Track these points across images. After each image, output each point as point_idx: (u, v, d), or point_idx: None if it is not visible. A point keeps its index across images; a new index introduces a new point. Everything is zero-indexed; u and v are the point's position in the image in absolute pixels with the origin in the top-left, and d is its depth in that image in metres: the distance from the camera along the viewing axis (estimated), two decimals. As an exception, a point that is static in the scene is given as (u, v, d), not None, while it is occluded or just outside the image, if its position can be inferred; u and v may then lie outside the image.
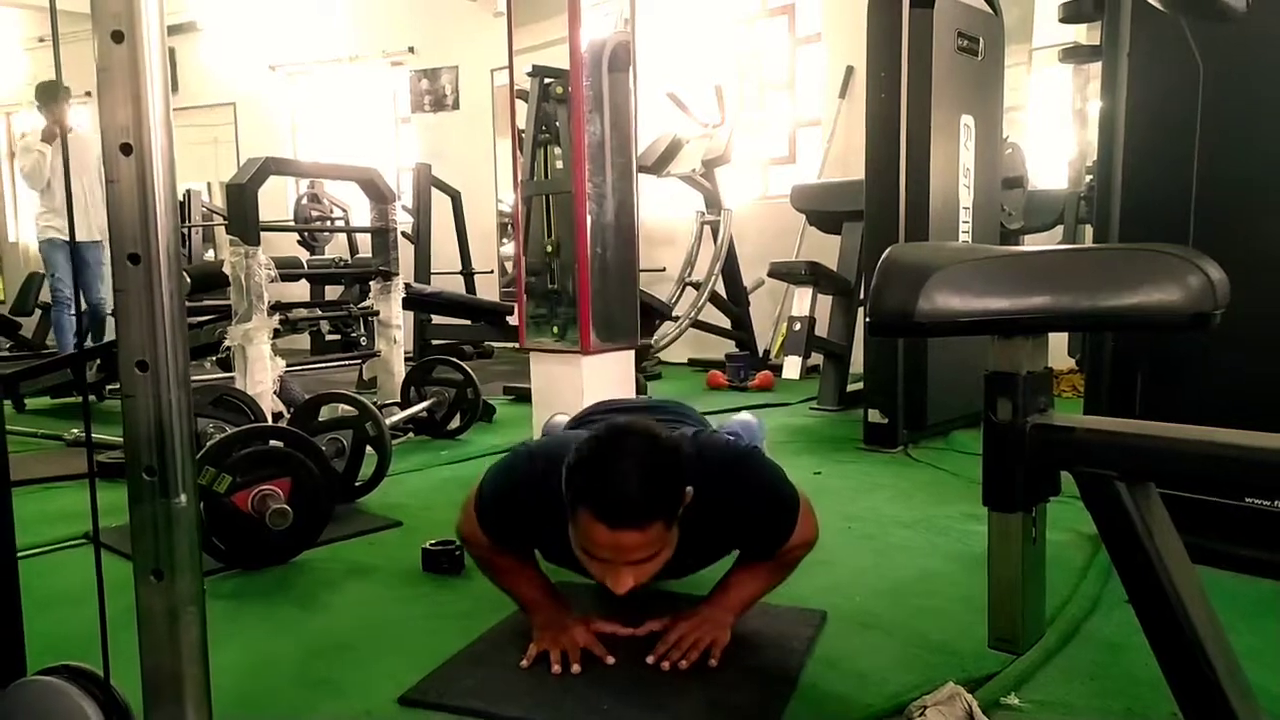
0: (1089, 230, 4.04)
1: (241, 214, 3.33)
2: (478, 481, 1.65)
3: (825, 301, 4.32)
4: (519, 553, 1.68)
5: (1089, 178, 4.18)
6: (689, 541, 1.47)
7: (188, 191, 7.05)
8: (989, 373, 0.99)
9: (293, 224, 6.62)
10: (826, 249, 4.66)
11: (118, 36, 0.87)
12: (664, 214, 6.28)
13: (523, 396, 4.24)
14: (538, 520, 1.55)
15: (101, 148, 0.89)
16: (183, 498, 0.94)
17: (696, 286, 5.52)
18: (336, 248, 6.86)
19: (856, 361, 4.08)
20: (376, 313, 4.01)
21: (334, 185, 6.52)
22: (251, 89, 8.29)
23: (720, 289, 5.54)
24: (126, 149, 0.88)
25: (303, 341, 5.90)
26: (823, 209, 4.70)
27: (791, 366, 3.95)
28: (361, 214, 4.84)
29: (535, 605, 1.67)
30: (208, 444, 2.17)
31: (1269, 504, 1.87)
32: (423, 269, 6.21)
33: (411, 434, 3.69)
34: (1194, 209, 1.91)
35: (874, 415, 3.35)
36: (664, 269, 6.07)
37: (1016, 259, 1.02)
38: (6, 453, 1.12)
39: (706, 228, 5.64)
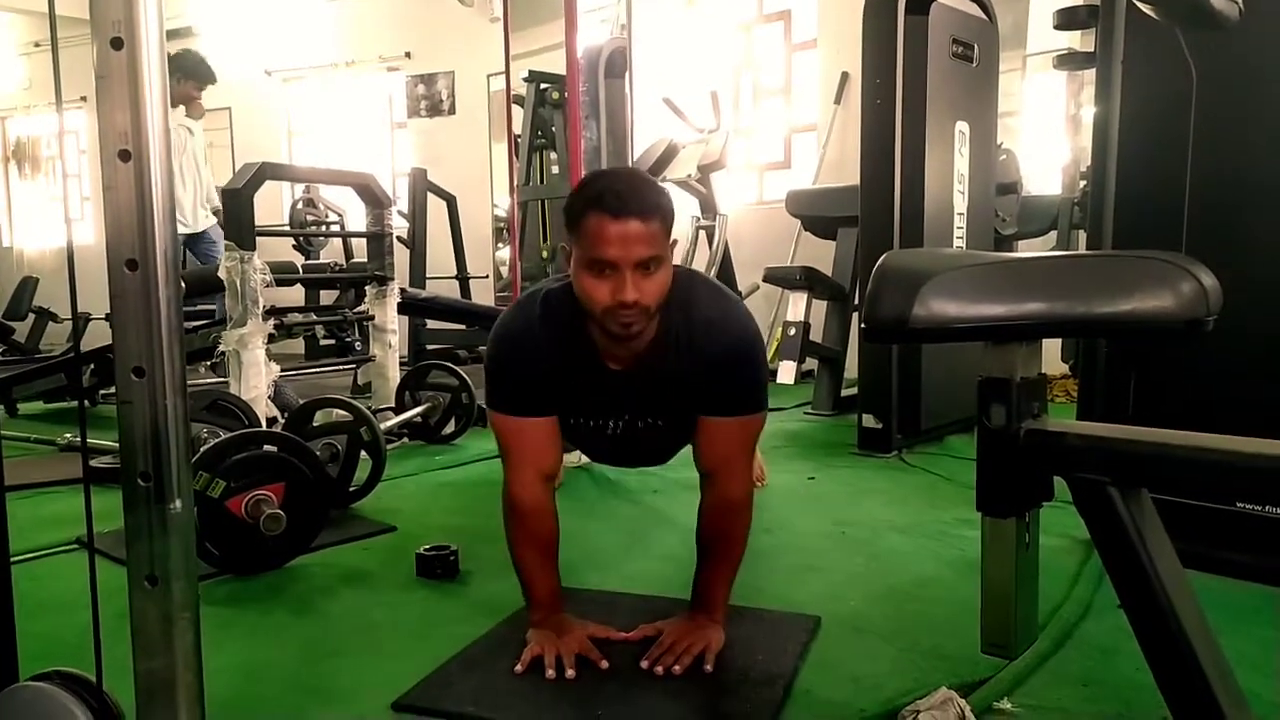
0: (1083, 236, 4.06)
1: (237, 219, 3.33)
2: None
3: (820, 307, 4.32)
4: (545, 413, 1.66)
5: (1083, 184, 4.19)
6: (668, 373, 1.57)
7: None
8: (983, 378, 1.00)
9: (288, 229, 6.60)
10: (821, 254, 4.67)
11: (117, 43, 0.87)
12: (659, 219, 6.28)
13: (518, 401, 4.23)
14: (546, 356, 1.59)
15: (99, 153, 0.89)
16: (177, 503, 0.94)
17: (692, 291, 5.52)
18: (332, 252, 6.85)
19: (851, 367, 4.09)
20: (371, 317, 4.00)
21: (329, 190, 6.52)
22: (247, 94, 8.28)
23: (715, 294, 5.54)
24: (125, 156, 0.88)
25: (297, 346, 5.88)
26: (818, 214, 4.71)
27: (786, 371, 3.95)
28: (357, 219, 4.84)
29: (539, 602, 1.66)
30: (202, 449, 2.16)
31: (1261, 509, 1.87)
32: (418, 274, 6.21)
33: (406, 439, 3.68)
34: (1187, 215, 1.91)
35: (868, 420, 3.36)
36: (659, 274, 6.07)
37: (1010, 265, 1.02)
38: (0, 457, 1.12)
39: (702, 233, 5.63)
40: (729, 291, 1.72)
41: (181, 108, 5.08)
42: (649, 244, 1.44)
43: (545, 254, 3.43)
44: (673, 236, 1.52)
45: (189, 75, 5.07)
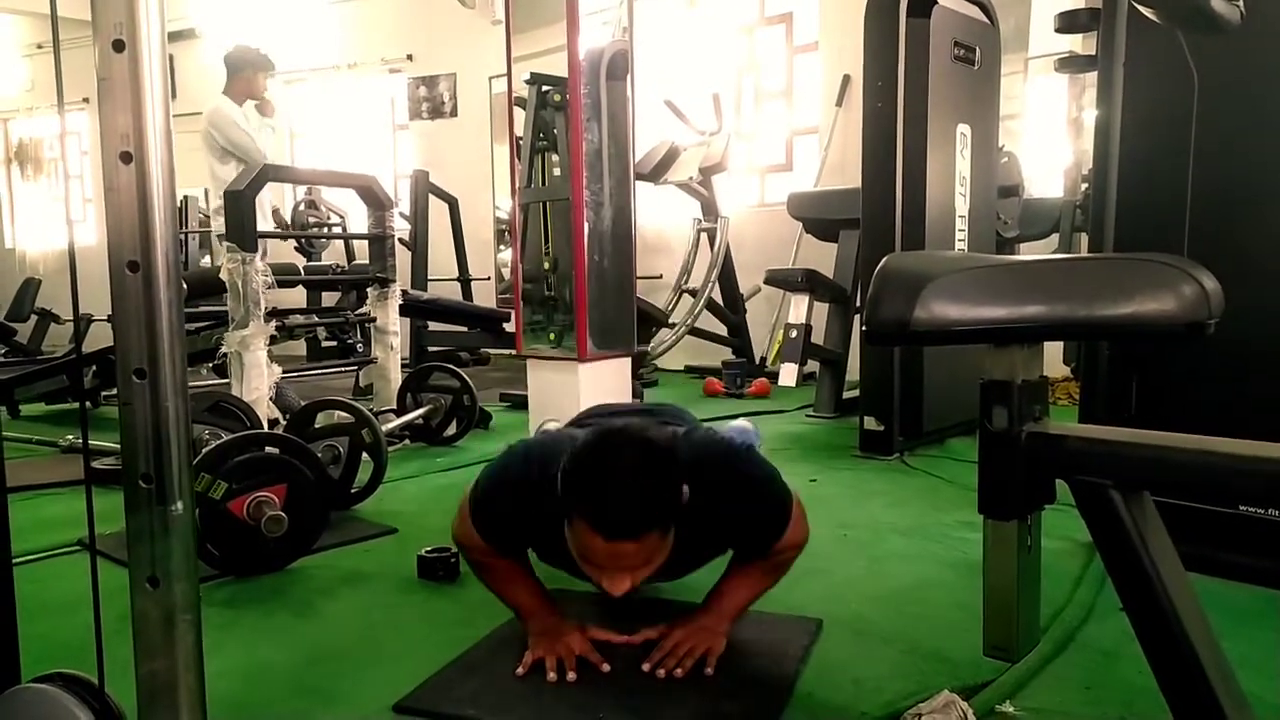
0: (1084, 239, 4.06)
1: (239, 221, 3.33)
2: (471, 483, 1.65)
3: (821, 309, 4.32)
4: (514, 555, 1.68)
5: (1084, 186, 4.19)
6: (684, 540, 1.47)
7: (185, 198, 7.04)
8: (985, 381, 1.00)
9: (290, 231, 6.61)
10: (823, 257, 4.67)
11: (119, 45, 0.87)
12: (661, 221, 6.29)
13: (519, 403, 4.24)
14: (532, 520, 1.55)
15: (101, 155, 0.89)
16: (179, 505, 0.94)
17: (693, 294, 5.53)
18: (334, 254, 6.86)
19: (853, 369, 4.09)
20: (373, 319, 4.00)
21: (331, 192, 6.52)
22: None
23: (717, 296, 5.55)
24: (126, 157, 0.88)
25: (299, 348, 5.88)
26: (819, 217, 4.71)
27: (788, 374, 3.95)
28: (359, 221, 4.83)
29: (530, 612, 1.66)
30: (203, 450, 2.17)
31: (1264, 512, 1.87)
32: (420, 276, 6.21)
33: (408, 441, 3.68)
34: (1189, 218, 1.91)
35: (870, 422, 3.36)
36: (661, 276, 6.07)
37: (1012, 268, 1.02)
38: (2, 459, 1.12)
39: (703, 235, 5.64)
40: (718, 442, 1.63)
41: (251, 104, 4.89)
42: (641, 555, 1.37)
43: (547, 256, 3.43)
44: (683, 494, 1.40)
45: (255, 66, 4.88)
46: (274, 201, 5.22)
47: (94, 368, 4.39)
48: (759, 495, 1.56)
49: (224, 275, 3.37)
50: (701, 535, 1.53)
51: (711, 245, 5.54)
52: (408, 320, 5.55)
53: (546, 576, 1.73)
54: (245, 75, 4.84)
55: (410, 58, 7.58)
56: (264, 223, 4.90)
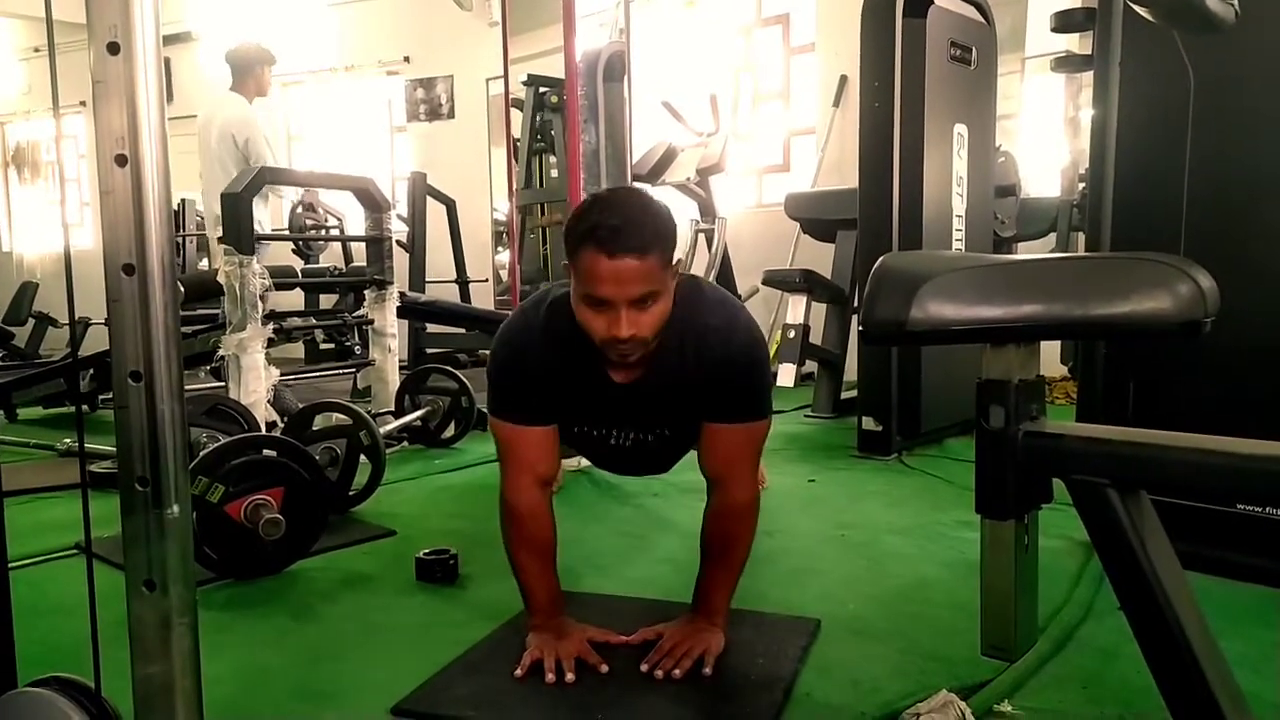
0: (1081, 238, 4.06)
1: (236, 223, 3.33)
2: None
3: (819, 309, 4.32)
4: (545, 422, 1.66)
5: (1081, 186, 4.19)
6: (672, 367, 1.56)
7: (181, 201, 7.03)
8: (981, 380, 1.00)
9: (287, 233, 6.60)
10: (820, 257, 4.67)
11: (113, 48, 0.87)
12: (658, 222, 6.28)
13: (517, 405, 4.23)
14: (545, 360, 1.59)
15: (96, 158, 0.89)
16: (175, 508, 0.94)
17: (691, 295, 5.52)
18: (331, 256, 6.85)
19: (851, 369, 4.09)
20: (371, 321, 4.00)
21: (329, 194, 6.51)
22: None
23: (715, 297, 5.54)
24: (121, 160, 0.88)
25: (297, 350, 5.88)
26: (817, 217, 4.71)
27: (786, 374, 3.95)
28: (356, 223, 4.83)
29: (538, 605, 1.66)
30: (201, 453, 2.16)
31: (1260, 510, 1.87)
32: (417, 277, 6.20)
33: (406, 443, 3.68)
34: (1185, 217, 1.92)
35: (868, 423, 3.36)
36: (658, 277, 6.07)
37: (1009, 267, 1.02)
38: (-1, 463, 1.12)
39: (701, 236, 5.63)
40: (732, 298, 1.72)
41: (261, 103, 4.88)
42: (645, 280, 1.42)
43: (544, 257, 3.43)
44: (676, 256, 1.50)
45: (261, 61, 4.85)
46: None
47: (91, 371, 4.38)
48: (747, 339, 1.62)
49: (221, 278, 3.37)
50: (687, 369, 1.57)
51: (709, 246, 5.53)
52: (406, 322, 5.55)
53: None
54: (254, 72, 4.83)
55: (407, 60, 7.58)
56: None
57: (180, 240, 6.76)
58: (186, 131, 8.25)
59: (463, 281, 6.66)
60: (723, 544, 1.64)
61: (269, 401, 3.41)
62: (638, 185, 1.57)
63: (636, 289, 1.42)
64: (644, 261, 1.41)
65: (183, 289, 3.47)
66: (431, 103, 7.60)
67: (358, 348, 5.35)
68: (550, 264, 3.44)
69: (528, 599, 1.68)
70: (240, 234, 3.32)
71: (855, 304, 4.22)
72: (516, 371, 1.64)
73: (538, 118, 3.47)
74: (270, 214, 5.02)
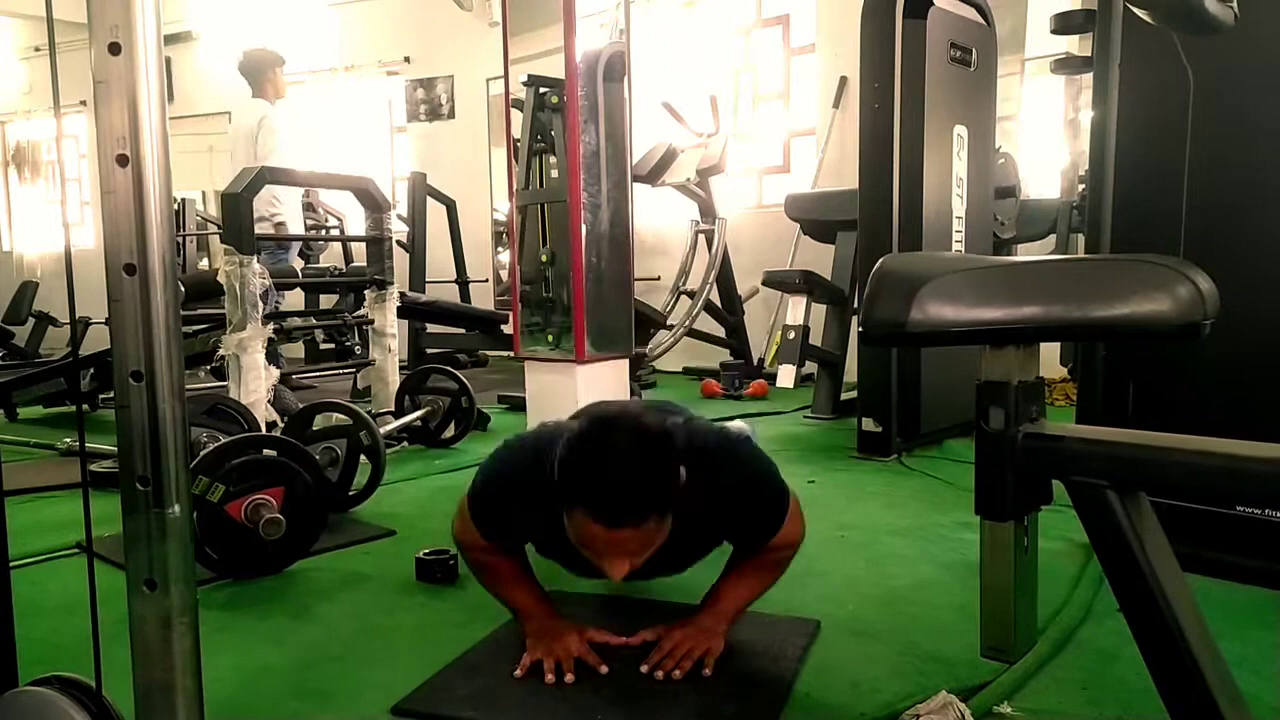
0: (1081, 240, 4.06)
1: (236, 223, 3.33)
2: (469, 484, 1.65)
3: (819, 310, 4.32)
4: (513, 553, 1.68)
5: (1081, 187, 4.20)
6: (681, 529, 1.46)
7: (182, 200, 7.04)
8: (981, 382, 1.00)
9: (287, 233, 6.60)
10: (820, 258, 4.68)
11: (115, 48, 0.87)
12: (658, 223, 6.29)
13: (517, 405, 4.24)
14: (531, 512, 1.55)
15: (98, 158, 0.89)
16: (176, 508, 0.94)
17: (691, 295, 5.53)
18: (331, 256, 6.85)
19: (850, 370, 4.09)
20: (371, 321, 4.00)
21: (329, 194, 6.51)
22: (247, 98, 8.28)
23: (715, 298, 5.55)
24: (123, 160, 0.88)
25: (297, 350, 5.88)
26: (817, 218, 4.71)
27: (786, 375, 3.95)
28: (357, 223, 4.83)
29: (529, 613, 1.66)
30: (201, 453, 2.16)
31: (1259, 512, 1.87)
32: (418, 278, 6.21)
33: (406, 443, 3.68)
34: (1185, 219, 1.92)
35: (868, 424, 3.36)
36: (659, 278, 6.07)
37: (1008, 269, 1.03)
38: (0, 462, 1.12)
39: (701, 237, 5.64)
40: (717, 435, 1.63)
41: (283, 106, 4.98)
42: (642, 540, 1.37)
43: (544, 258, 3.42)
44: (680, 475, 1.40)
45: (275, 64, 4.94)
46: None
47: (92, 370, 4.38)
48: (756, 485, 1.57)
49: (222, 278, 3.37)
50: (699, 524, 1.54)
51: (709, 247, 5.54)
52: (406, 322, 5.55)
53: (545, 577, 1.73)
54: (267, 75, 4.90)
55: (408, 60, 7.58)
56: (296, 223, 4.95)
57: (181, 240, 6.76)
58: (187, 131, 8.29)
59: (463, 281, 6.67)
60: (766, 563, 1.65)
61: (269, 401, 3.41)
62: (631, 417, 1.42)
63: (633, 548, 1.38)
64: (642, 530, 1.35)
65: (183, 289, 3.47)
66: (432, 103, 7.60)
67: (358, 348, 5.34)
68: (550, 264, 3.44)
69: (516, 611, 1.69)
70: (240, 234, 3.32)
71: (855, 305, 4.22)
72: (503, 517, 1.60)
73: (538, 118, 3.47)
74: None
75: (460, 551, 1.75)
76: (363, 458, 2.72)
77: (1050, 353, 4.12)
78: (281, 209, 4.91)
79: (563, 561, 1.67)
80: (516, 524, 1.62)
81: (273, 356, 3.62)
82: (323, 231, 6.43)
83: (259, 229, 3.74)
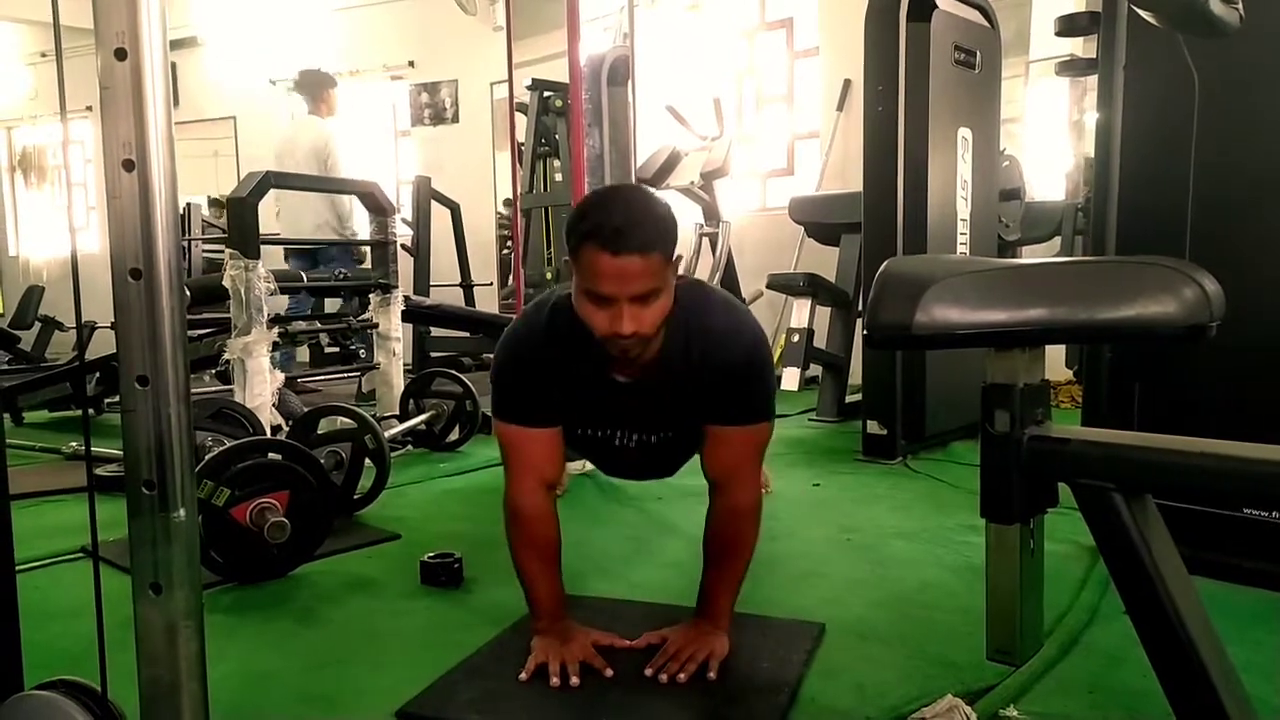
0: (1087, 242, 4.05)
1: (242, 227, 3.34)
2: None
3: (824, 313, 4.32)
4: (550, 424, 1.66)
5: (1086, 189, 4.19)
6: (673, 367, 1.56)
7: (187, 205, 7.06)
8: (986, 385, 1.00)
9: (293, 238, 6.62)
10: (825, 261, 4.67)
11: (121, 54, 0.88)
12: (663, 226, 6.28)
13: (522, 409, 4.23)
14: (548, 361, 1.60)
15: (104, 163, 0.90)
16: (182, 512, 0.94)
17: (695, 298, 5.52)
18: (335, 260, 6.86)
19: (855, 373, 4.08)
20: (376, 325, 4.01)
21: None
22: (252, 102, 8.32)
23: (719, 301, 5.54)
24: (129, 165, 0.89)
25: (302, 354, 5.89)
26: (821, 221, 4.71)
27: (790, 378, 3.95)
28: (361, 227, 4.84)
29: (542, 610, 1.66)
30: (206, 457, 2.17)
31: (1266, 515, 1.87)
32: (422, 281, 6.21)
33: (410, 446, 3.68)
34: (1190, 221, 1.91)
35: (872, 426, 3.35)
36: (663, 281, 6.07)
37: (1013, 271, 1.02)
38: (5, 466, 1.12)
39: (705, 239, 5.64)
40: (737, 301, 1.72)
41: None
42: (646, 278, 1.43)
43: (548, 261, 3.43)
44: (677, 253, 1.50)
45: (330, 84, 5.32)
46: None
47: (97, 375, 4.39)
48: (750, 341, 1.62)
49: (227, 282, 3.37)
50: (689, 370, 1.58)
51: (713, 249, 5.54)
52: (410, 326, 5.55)
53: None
54: (323, 95, 5.25)
55: (412, 64, 7.60)
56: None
57: (186, 244, 6.78)
58: (190, 135, 8.30)
59: (467, 285, 6.67)
60: (726, 547, 1.64)
61: (274, 405, 3.41)
62: (638, 184, 1.56)
63: (639, 286, 1.43)
64: (646, 259, 1.42)
65: (188, 293, 3.48)
66: (436, 107, 7.62)
67: (362, 352, 5.35)
68: (555, 260, 3.44)
69: (532, 602, 1.68)
70: (246, 238, 3.32)
71: (859, 308, 4.22)
72: (520, 373, 1.64)
73: (542, 122, 3.47)
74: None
75: (507, 520, 1.68)
76: (367, 461, 2.72)
77: (1055, 355, 4.12)
78: (353, 224, 5.07)
79: (591, 420, 1.70)
80: (538, 382, 1.63)
81: (287, 360, 3.66)
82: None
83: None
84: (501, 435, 1.68)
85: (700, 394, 1.62)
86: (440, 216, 6.47)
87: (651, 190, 1.54)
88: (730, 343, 1.59)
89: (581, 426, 1.73)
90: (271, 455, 2.28)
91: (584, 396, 1.65)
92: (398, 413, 3.78)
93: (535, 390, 1.64)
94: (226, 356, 3.41)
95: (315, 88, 5.22)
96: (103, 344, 4.16)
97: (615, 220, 1.41)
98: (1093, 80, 2.24)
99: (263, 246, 3.38)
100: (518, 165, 3.53)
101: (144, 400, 0.92)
